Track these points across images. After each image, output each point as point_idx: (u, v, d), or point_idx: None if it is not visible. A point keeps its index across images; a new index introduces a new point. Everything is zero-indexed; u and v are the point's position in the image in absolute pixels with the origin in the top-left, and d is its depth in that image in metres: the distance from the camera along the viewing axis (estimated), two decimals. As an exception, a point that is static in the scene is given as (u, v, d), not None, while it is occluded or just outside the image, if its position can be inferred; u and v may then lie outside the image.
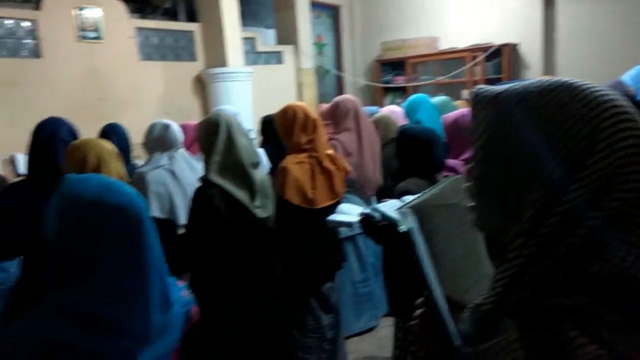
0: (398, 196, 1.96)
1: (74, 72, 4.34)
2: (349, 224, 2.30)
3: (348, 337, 3.07)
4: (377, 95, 7.03)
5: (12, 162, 3.13)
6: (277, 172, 2.31)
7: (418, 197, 0.88)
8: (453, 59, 6.32)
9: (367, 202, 3.08)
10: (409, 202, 0.86)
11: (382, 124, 3.34)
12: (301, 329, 2.42)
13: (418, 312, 0.81)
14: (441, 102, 3.76)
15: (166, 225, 2.25)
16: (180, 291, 1.11)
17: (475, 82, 5.85)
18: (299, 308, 2.40)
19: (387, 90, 6.99)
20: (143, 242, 0.94)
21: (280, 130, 2.41)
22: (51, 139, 2.00)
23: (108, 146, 1.88)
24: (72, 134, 2.07)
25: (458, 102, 4.34)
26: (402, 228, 0.80)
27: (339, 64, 7.36)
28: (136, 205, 0.95)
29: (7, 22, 3.97)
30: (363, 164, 3.02)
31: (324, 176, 2.34)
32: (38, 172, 1.99)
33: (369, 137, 3.06)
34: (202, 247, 1.88)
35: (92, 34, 4.45)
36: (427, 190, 0.91)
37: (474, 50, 6.11)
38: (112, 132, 2.67)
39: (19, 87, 3.94)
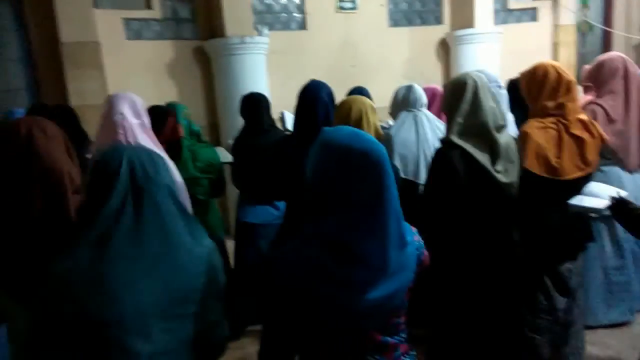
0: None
1: (331, 41, 4.81)
2: (596, 211, 2.01)
3: (594, 328, 2.76)
4: (658, 53, 5.83)
5: (281, 119, 3.71)
6: (518, 137, 2.18)
7: None
8: None
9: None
10: None
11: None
12: (532, 307, 2.27)
13: None
14: None
15: (408, 185, 2.38)
16: (414, 235, 1.19)
17: None
18: (532, 285, 2.26)
19: (673, 47, 5.72)
20: (383, 183, 1.06)
21: (526, 92, 2.24)
22: (312, 100, 2.30)
23: (367, 102, 2.14)
24: (330, 95, 2.34)
25: None
26: None
27: (607, 19, 6.31)
28: (377, 151, 1.07)
29: (280, -1, 4.63)
30: (627, 133, 2.59)
31: (573, 144, 2.10)
32: (301, 127, 2.32)
33: (634, 102, 2.59)
34: (440, 207, 1.92)
35: (349, 5, 4.83)
36: None
37: None
38: (358, 94, 2.91)
39: (288, 55, 4.58)
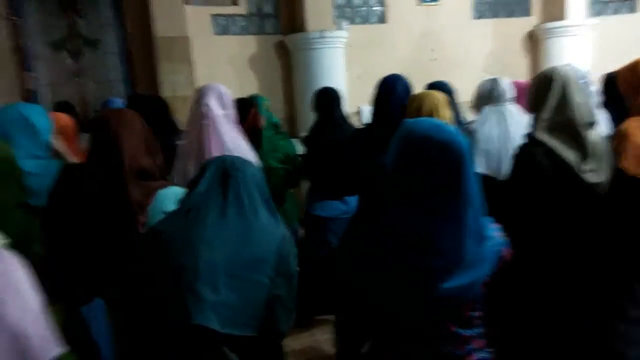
0: None
1: (411, 35, 4.75)
2: None
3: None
4: None
5: (359, 113, 3.74)
6: (614, 135, 2.04)
7: None
8: None
9: None
10: None
11: None
12: (622, 317, 2.13)
13: None
14: None
15: (489, 181, 2.32)
16: (495, 231, 1.17)
17: None
18: (622, 294, 2.11)
19: None
20: (462, 175, 1.06)
21: (624, 88, 2.09)
22: (388, 93, 2.31)
23: (440, 96, 2.11)
24: (406, 88, 2.33)
25: None
26: None
27: None
28: (459, 143, 1.07)
29: (363, -8, 4.64)
30: None
31: (679, 146, 1.93)
32: (376, 120, 2.33)
33: None
34: (521, 205, 1.86)
35: (432, -3, 4.74)
36: None
37: None
38: (438, 88, 2.86)
39: (367, 49, 4.58)
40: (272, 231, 1.25)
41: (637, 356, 2.08)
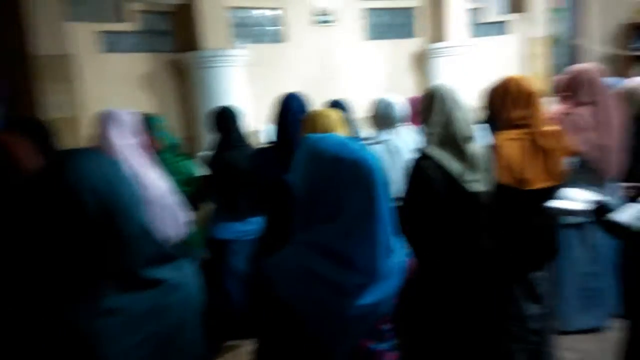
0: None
1: (308, 54, 4.84)
2: (573, 212, 2.01)
3: (569, 333, 2.80)
4: (622, 65, 6.05)
5: (260, 132, 3.72)
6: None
7: None
8: None
9: (601, 187, 2.71)
10: None
11: (629, 97, 2.87)
12: (503, 315, 2.29)
13: None
14: None
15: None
16: (399, 243, 1.19)
17: None
18: (501, 293, 2.27)
19: (637, 60, 5.94)
20: (373, 193, 1.06)
21: (490, 105, 2.31)
22: (284, 112, 2.32)
23: (334, 114, 2.12)
24: (302, 106, 2.36)
25: None
26: None
27: (577, 31, 6.52)
28: (367, 161, 1.07)
29: (255, 12, 4.65)
30: (599, 142, 2.66)
31: (540, 155, 2.14)
32: (277, 139, 2.32)
33: (606, 111, 2.67)
34: (417, 216, 1.94)
35: (326, 18, 4.88)
36: None
37: None
38: (336, 107, 2.94)
39: (265, 68, 4.58)
40: (180, 289, 1.03)
41: (521, 350, 2.23)
